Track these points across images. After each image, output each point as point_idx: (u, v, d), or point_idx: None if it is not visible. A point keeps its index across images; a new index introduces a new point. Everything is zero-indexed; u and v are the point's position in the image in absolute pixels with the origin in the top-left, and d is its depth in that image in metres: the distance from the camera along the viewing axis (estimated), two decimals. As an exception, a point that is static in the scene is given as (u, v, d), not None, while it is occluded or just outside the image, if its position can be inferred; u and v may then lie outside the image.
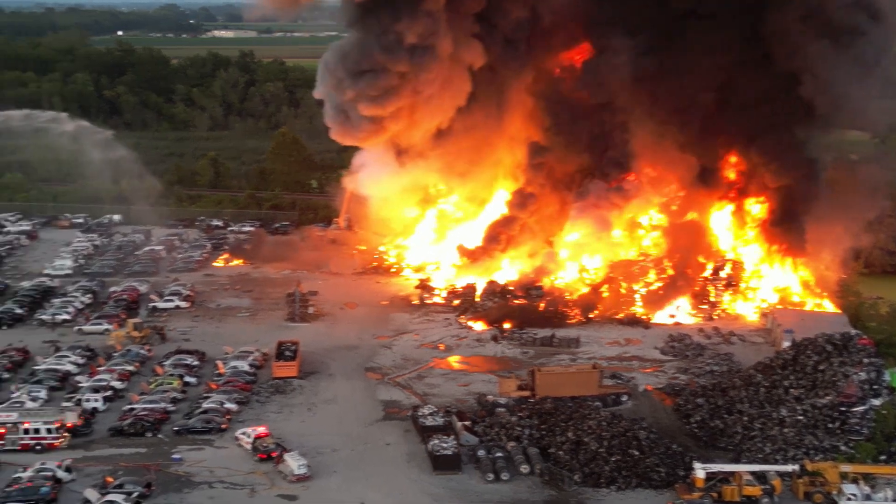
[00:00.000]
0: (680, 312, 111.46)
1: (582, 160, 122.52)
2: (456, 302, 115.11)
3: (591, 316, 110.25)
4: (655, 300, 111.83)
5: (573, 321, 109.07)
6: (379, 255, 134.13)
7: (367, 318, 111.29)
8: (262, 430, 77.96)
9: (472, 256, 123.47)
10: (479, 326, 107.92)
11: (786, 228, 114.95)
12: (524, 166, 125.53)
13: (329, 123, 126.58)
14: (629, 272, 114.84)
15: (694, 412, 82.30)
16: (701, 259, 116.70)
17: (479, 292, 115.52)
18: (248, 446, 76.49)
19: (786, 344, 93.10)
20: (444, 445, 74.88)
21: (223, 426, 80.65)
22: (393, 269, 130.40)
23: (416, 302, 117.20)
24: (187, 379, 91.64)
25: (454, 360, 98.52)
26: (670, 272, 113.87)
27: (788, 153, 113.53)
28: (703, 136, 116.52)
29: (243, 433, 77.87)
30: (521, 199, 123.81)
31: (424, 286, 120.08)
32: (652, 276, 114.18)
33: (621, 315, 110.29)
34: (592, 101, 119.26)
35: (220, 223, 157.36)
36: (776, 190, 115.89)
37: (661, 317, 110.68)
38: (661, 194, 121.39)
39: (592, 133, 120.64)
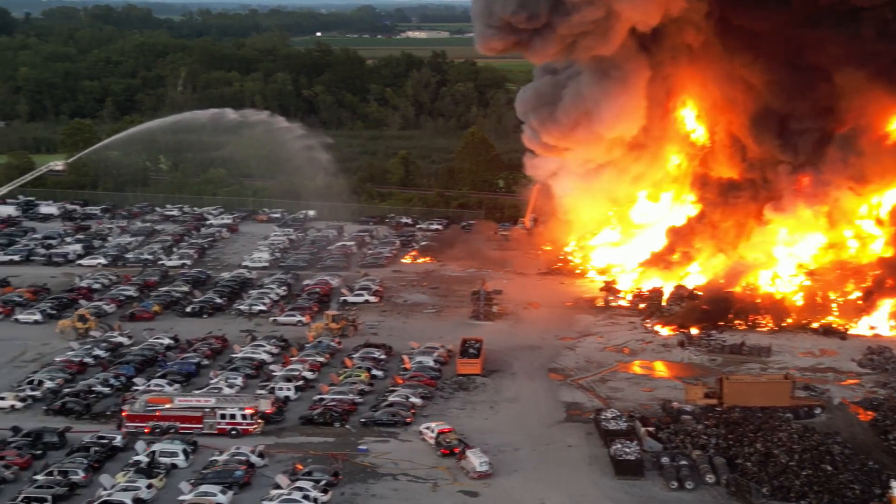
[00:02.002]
0: (882, 324, 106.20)
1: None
2: (642, 305, 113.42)
3: (783, 324, 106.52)
4: (854, 310, 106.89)
5: (764, 329, 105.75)
6: (564, 255, 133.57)
7: (551, 319, 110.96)
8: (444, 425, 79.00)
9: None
10: (665, 331, 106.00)
11: None
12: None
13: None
14: (826, 279, 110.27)
15: (893, 428, 78.25)
16: None
17: (665, 296, 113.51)
18: (432, 441, 77.52)
19: None
20: (627, 450, 73.82)
21: (408, 420, 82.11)
22: (578, 271, 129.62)
23: (600, 304, 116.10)
24: (374, 372, 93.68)
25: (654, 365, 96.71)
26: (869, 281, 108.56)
27: None
28: None
29: (427, 428, 79.01)
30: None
31: (610, 288, 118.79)
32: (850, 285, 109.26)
33: (816, 324, 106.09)
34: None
35: (408, 221, 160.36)
36: None
37: (859, 328, 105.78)
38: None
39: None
